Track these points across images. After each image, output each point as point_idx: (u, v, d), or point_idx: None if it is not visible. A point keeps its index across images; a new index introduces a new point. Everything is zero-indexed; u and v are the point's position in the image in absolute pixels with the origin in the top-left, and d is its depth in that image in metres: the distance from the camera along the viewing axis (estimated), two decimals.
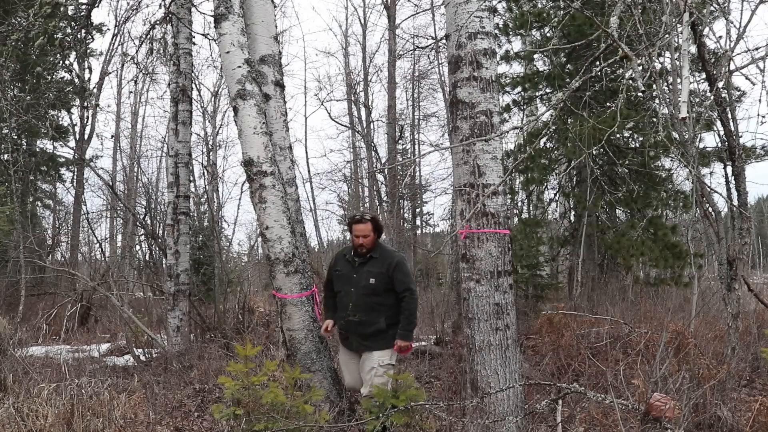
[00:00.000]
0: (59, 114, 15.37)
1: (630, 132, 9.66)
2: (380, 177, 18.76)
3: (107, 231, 22.75)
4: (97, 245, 15.95)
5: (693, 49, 5.38)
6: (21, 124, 12.49)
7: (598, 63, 5.92)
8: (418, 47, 17.16)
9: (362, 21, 21.02)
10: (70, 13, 11.22)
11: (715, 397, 3.88)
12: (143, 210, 15.04)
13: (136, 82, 19.44)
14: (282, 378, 3.89)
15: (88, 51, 14.37)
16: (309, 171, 25.39)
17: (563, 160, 9.81)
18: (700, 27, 4.56)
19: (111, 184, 14.98)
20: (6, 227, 8.31)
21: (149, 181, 18.86)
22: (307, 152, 35.26)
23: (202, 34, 9.41)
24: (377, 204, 19.46)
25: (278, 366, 4.09)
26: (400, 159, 18.59)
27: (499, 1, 10.49)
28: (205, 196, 15.25)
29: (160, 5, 7.52)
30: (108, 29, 14.95)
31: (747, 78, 4.08)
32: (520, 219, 10.58)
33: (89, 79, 15.41)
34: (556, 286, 9.75)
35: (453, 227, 11.45)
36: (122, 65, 18.66)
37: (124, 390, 4.94)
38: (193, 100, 8.01)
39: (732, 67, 4.66)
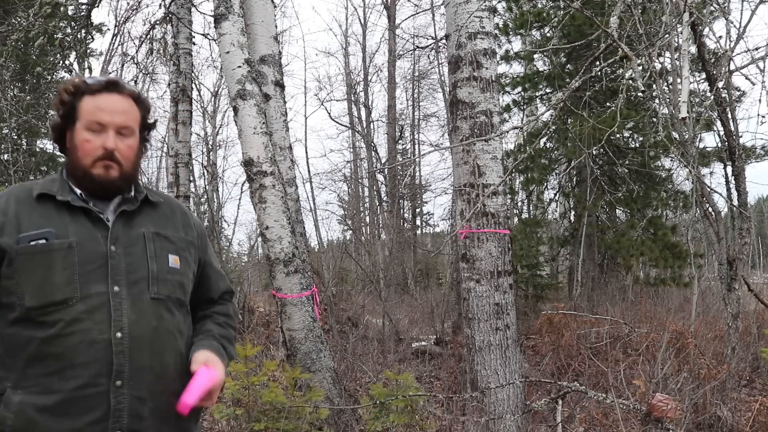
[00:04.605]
0: None
1: (630, 132, 9.66)
2: (380, 177, 18.79)
3: None
4: None
5: (693, 49, 5.38)
6: (21, 124, 12.47)
7: (598, 63, 5.92)
8: (418, 47, 17.20)
9: (362, 21, 21.08)
10: (70, 13, 11.22)
11: (715, 397, 3.89)
12: None
13: (136, 82, 19.38)
14: (282, 378, 3.88)
15: (88, 51, 14.34)
16: (309, 171, 25.33)
17: (563, 160, 9.82)
18: (700, 27, 4.56)
19: None
20: None
21: (149, 181, 18.87)
22: (307, 152, 35.17)
23: (202, 34, 9.42)
24: (377, 204, 19.46)
25: (278, 366, 4.08)
26: (400, 159, 18.60)
27: (499, 1, 10.50)
28: (205, 196, 15.26)
29: (160, 5, 7.53)
30: (108, 29, 14.90)
31: (747, 78, 4.10)
32: (520, 219, 10.60)
33: None
34: (556, 286, 9.76)
35: (453, 227, 11.44)
36: (122, 65, 18.59)
37: None
38: (193, 100, 8.01)
39: (732, 67, 4.67)
